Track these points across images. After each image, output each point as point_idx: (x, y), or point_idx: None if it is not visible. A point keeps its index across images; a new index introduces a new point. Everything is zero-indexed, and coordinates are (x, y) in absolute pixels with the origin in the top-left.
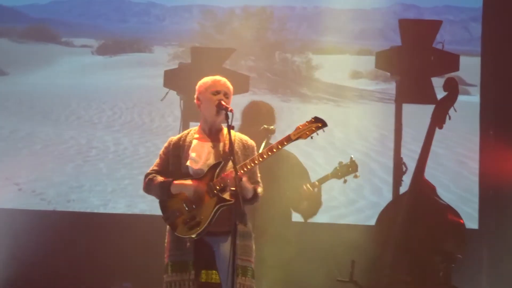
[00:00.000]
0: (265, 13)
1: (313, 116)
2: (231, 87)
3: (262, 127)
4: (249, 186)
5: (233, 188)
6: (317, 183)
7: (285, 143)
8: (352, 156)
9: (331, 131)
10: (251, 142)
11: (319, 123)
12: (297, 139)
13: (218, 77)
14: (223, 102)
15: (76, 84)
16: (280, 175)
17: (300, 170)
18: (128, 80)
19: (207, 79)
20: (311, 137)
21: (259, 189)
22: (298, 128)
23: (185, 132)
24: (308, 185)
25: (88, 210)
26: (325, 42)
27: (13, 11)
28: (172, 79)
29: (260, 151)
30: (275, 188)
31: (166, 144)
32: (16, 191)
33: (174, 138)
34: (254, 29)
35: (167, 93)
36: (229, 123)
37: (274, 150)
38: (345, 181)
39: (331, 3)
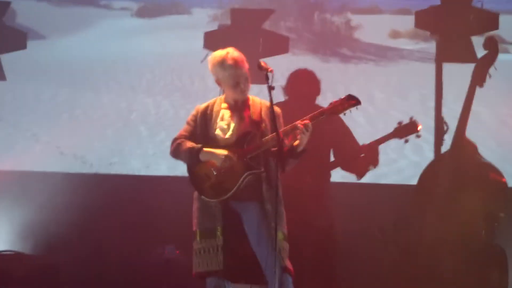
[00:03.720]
0: None
1: (347, 94)
2: (246, 63)
3: None
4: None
5: (274, 149)
6: (374, 142)
7: (320, 117)
8: (412, 116)
9: (371, 91)
10: (277, 108)
11: (353, 100)
12: (331, 114)
13: (237, 60)
14: (262, 63)
15: (115, 47)
16: (325, 136)
17: (345, 130)
18: (167, 42)
19: (227, 63)
20: (344, 114)
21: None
22: (332, 103)
23: (212, 100)
24: (365, 145)
25: (130, 173)
26: (364, 2)
27: None
28: (212, 41)
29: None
30: (320, 148)
31: (193, 112)
32: (58, 155)
33: (201, 106)
34: None
35: (207, 55)
36: (269, 84)
37: (308, 122)
38: (406, 141)
39: None
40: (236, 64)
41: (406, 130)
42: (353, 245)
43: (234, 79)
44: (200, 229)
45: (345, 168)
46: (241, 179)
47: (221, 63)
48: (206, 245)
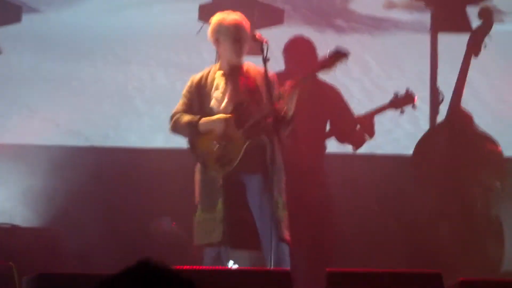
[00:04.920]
0: None
1: (335, 47)
2: (249, 27)
3: None
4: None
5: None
6: (370, 113)
7: (311, 76)
8: (408, 87)
9: (366, 63)
10: (272, 75)
11: (341, 53)
12: (321, 70)
13: (238, 20)
14: (257, 35)
15: (111, 21)
16: (321, 108)
17: (341, 101)
18: (162, 15)
19: (227, 22)
20: (335, 66)
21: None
22: (321, 59)
23: (206, 70)
24: (362, 115)
25: (126, 146)
26: None
27: None
28: (207, 13)
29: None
30: (317, 120)
31: (188, 83)
32: (55, 129)
33: (196, 77)
34: None
35: (202, 27)
36: (265, 56)
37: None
38: (402, 112)
39: None
40: (240, 21)
41: (402, 101)
42: (350, 216)
43: (235, 35)
44: (202, 202)
45: (341, 138)
46: (244, 148)
47: (225, 18)
48: (207, 218)
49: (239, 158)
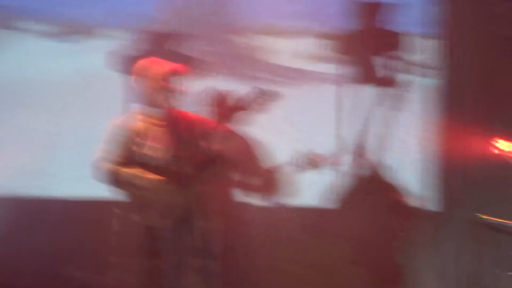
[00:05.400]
0: None
1: (253, 87)
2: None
3: None
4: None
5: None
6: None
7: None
8: (311, 150)
9: (289, 115)
10: (200, 116)
11: (261, 91)
12: (241, 110)
13: (166, 65)
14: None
15: (32, 71)
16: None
17: (249, 146)
18: (80, 64)
19: (156, 67)
20: (259, 106)
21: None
22: (243, 102)
23: (131, 115)
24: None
25: (47, 194)
26: (279, 25)
27: None
28: (117, 61)
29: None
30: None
31: (113, 130)
32: None
33: (122, 123)
34: (205, 13)
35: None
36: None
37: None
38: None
39: None
40: (168, 70)
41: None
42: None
43: (162, 82)
44: (144, 249)
45: (247, 189)
46: (184, 196)
47: (154, 61)
48: (152, 266)
49: (179, 205)
